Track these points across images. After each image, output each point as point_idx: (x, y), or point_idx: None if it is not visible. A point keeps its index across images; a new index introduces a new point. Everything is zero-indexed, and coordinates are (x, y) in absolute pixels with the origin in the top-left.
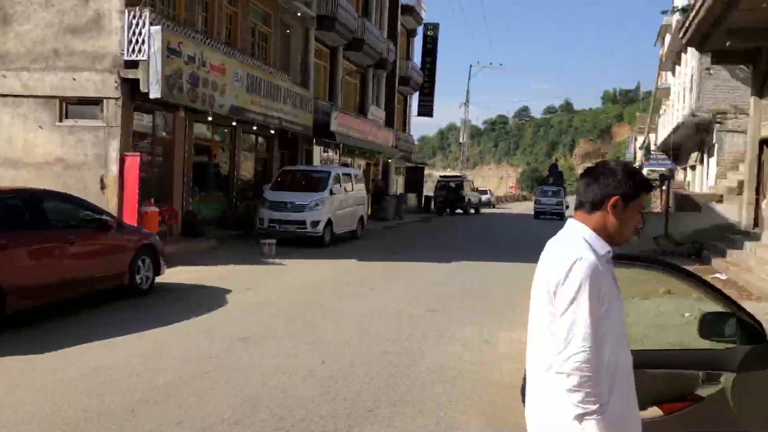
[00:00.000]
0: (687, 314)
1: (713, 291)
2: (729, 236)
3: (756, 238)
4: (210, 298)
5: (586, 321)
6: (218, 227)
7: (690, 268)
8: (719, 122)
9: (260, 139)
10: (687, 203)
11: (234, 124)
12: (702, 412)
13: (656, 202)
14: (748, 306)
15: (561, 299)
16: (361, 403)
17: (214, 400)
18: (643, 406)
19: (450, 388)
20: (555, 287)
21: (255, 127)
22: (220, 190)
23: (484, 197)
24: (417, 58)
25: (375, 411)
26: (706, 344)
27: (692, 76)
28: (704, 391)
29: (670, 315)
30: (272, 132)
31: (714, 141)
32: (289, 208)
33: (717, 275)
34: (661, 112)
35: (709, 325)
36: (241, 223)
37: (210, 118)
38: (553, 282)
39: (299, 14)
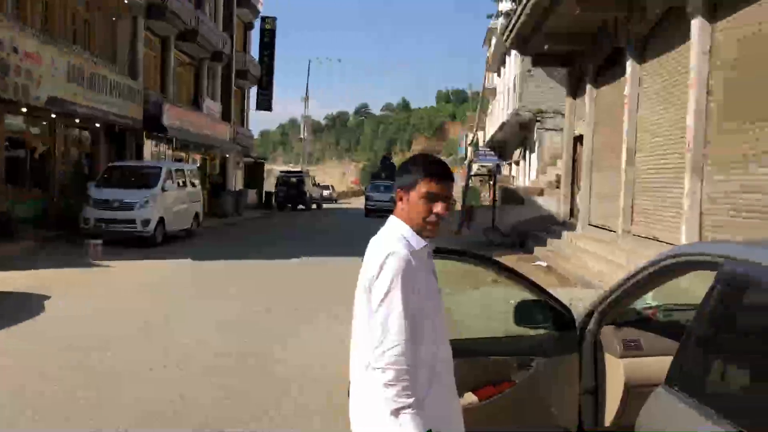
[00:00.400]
0: (512, 301)
1: (522, 280)
2: (549, 227)
3: (572, 228)
4: (21, 307)
5: (400, 315)
6: (37, 227)
7: (515, 257)
8: (539, 121)
9: (85, 133)
10: (512, 197)
11: (54, 116)
12: (514, 396)
13: (484, 196)
14: (565, 291)
15: (375, 295)
16: (212, 412)
17: (25, 418)
18: (459, 394)
19: (306, 391)
20: (369, 283)
21: (78, 120)
22: (38, 187)
23: (325, 192)
24: (255, 51)
25: (230, 421)
26: (525, 332)
27: (515, 77)
28: (518, 376)
29: (497, 303)
30: (98, 125)
31: (535, 138)
32: (117, 206)
33: (539, 263)
34: (488, 111)
35: (523, 313)
36: (63, 222)
37: (24, 110)
38: (368, 278)
39: (126, 1)
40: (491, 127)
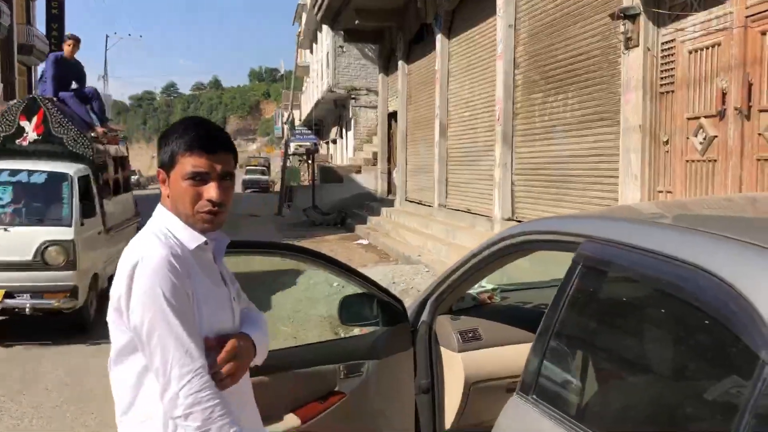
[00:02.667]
0: (335, 284)
1: (345, 270)
2: (369, 204)
3: (390, 204)
4: None
5: (180, 339)
6: None
7: (337, 236)
8: (354, 98)
9: None
10: (331, 175)
11: None
12: (344, 410)
13: (304, 176)
14: (386, 269)
15: (134, 320)
16: None
17: None
18: (277, 415)
19: None
20: (119, 302)
21: None
22: None
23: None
24: (41, 25)
25: None
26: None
27: (328, 53)
28: (347, 386)
29: (319, 287)
30: None
31: (350, 116)
32: None
33: (360, 241)
34: (303, 88)
35: (349, 310)
36: None
37: None
38: (116, 296)
39: None
40: (306, 105)
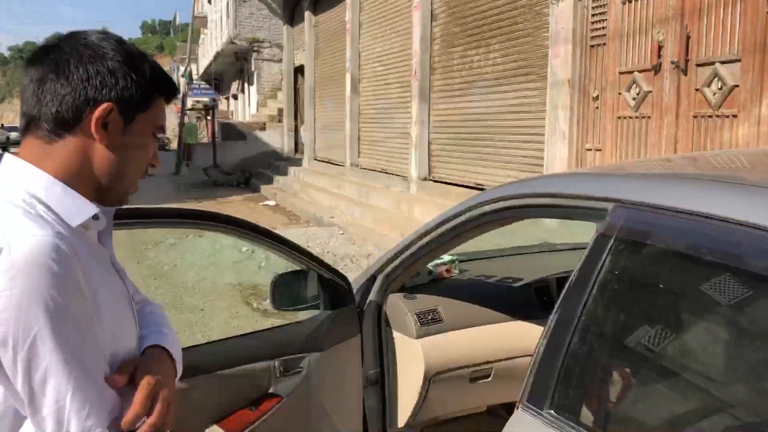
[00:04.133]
0: (245, 249)
1: (274, 241)
2: (274, 163)
3: (298, 163)
4: None
5: (81, 373)
6: None
7: (241, 197)
8: (256, 51)
9: None
10: (233, 132)
11: None
12: (282, 416)
13: (203, 133)
14: (298, 231)
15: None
16: None
17: None
18: (199, 430)
19: None
20: None
21: None
22: None
23: (13, 135)
24: None
25: None
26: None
27: (228, 2)
28: (284, 387)
29: (227, 251)
30: None
31: (253, 69)
32: None
33: (267, 202)
34: (200, 41)
35: (282, 292)
36: None
37: None
38: None
39: None
40: (204, 58)
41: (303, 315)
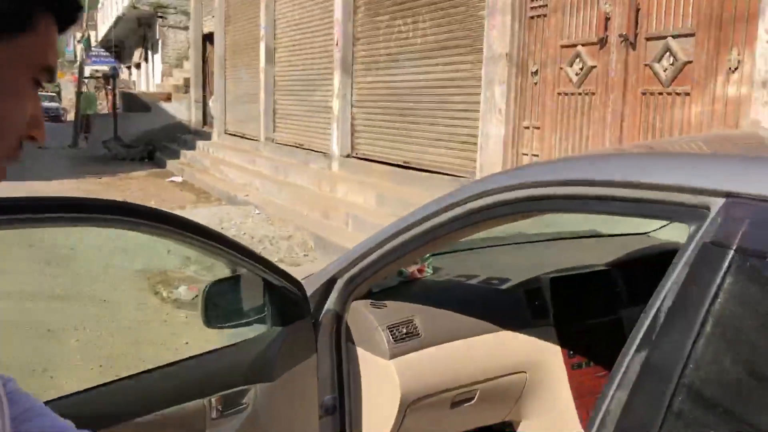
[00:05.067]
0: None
1: (208, 240)
2: (181, 136)
3: (207, 137)
4: None
5: None
6: None
7: (144, 172)
8: (161, 17)
9: None
10: (135, 103)
11: None
12: None
13: (103, 104)
14: (210, 210)
15: None
16: None
17: None
18: None
19: None
20: None
21: None
22: None
23: None
24: None
25: None
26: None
27: None
28: (221, 431)
29: (130, 234)
30: None
31: (157, 37)
32: None
33: (173, 178)
34: (99, 5)
35: (217, 305)
36: None
37: None
38: None
39: None
40: (104, 24)
41: (244, 333)
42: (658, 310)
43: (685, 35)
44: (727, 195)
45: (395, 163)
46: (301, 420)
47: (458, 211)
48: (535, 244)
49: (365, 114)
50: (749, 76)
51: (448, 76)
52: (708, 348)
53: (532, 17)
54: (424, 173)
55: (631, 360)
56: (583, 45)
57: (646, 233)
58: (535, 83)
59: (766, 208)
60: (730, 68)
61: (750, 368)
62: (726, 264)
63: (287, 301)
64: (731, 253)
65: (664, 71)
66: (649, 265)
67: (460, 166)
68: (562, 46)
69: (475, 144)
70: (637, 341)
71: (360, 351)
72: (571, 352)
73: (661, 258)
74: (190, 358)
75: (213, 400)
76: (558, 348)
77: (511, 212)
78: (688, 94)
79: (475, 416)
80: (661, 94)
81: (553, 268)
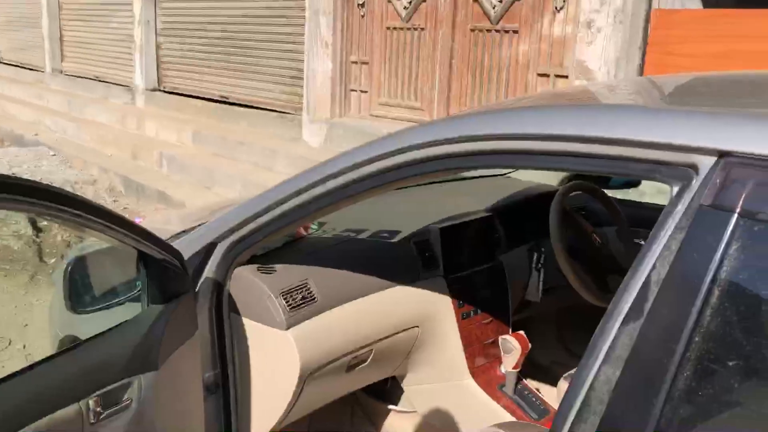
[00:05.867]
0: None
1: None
2: None
3: None
4: None
5: None
6: None
7: None
8: None
9: None
10: None
11: None
12: None
13: None
14: None
15: None
16: None
17: None
18: None
19: None
20: None
21: None
22: None
23: None
24: None
25: None
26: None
27: None
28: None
29: None
30: None
31: None
32: None
33: None
34: None
35: (83, 282)
36: None
37: None
38: None
39: None
40: None
41: (118, 315)
42: (648, 278)
43: None
44: (721, 154)
45: (211, 97)
46: (191, 406)
47: (377, 166)
48: (417, 189)
49: (174, 44)
50: (574, 16)
51: (268, 5)
52: (715, 321)
53: None
54: (246, 109)
55: (618, 332)
56: None
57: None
58: (362, 16)
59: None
60: (556, 7)
61: (762, 342)
62: (730, 229)
63: (165, 274)
64: (735, 216)
65: (493, 8)
66: (525, 209)
67: (286, 102)
68: None
69: (302, 79)
70: (624, 313)
71: (250, 323)
72: (460, 302)
73: (539, 200)
74: (60, 353)
75: (90, 401)
76: (448, 299)
77: (451, 167)
78: (516, 32)
79: (367, 375)
80: (489, 31)
81: (440, 216)
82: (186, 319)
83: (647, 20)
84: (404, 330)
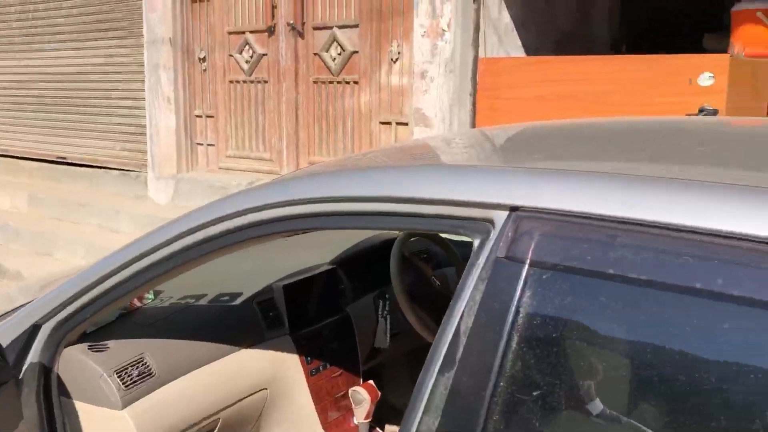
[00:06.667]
0: None
1: None
2: None
3: None
4: None
5: None
6: None
7: None
8: None
9: None
10: None
11: None
12: None
13: None
14: None
15: None
16: None
17: None
18: None
19: None
20: None
21: None
22: None
23: None
24: None
25: None
26: None
27: None
28: None
29: None
30: None
31: None
32: None
33: None
34: None
35: None
36: None
37: None
38: None
39: None
40: None
41: None
42: (458, 328)
43: (350, 26)
44: (513, 208)
45: (49, 159)
46: None
47: (209, 231)
48: (257, 246)
49: (5, 104)
50: (409, 67)
51: (104, 62)
52: (516, 364)
53: (194, 1)
54: (87, 168)
55: (435, 383)
56: (251, 32)
57: None
58: (204, 70)
59: (554, 221)
60: (392, 59)
61: (557, 380)
62: (522, 279)
63: None
64: (526, 267)
65: (333, 60)
66: (369, 258)
67: (129, 158)
68: (230, 33)
69: (145, 135)
70: (439, 363)
71: (83, 405)
72: (309, 358)
73: (382, 247)
74: None
75: None
76: (296, 356)
77: (276, 231)
78: (356, 82)
79: None
80: (331, 82)
81: (282, 273)
82: (8, 409)
83: (475, 68)
84: (252, 394)
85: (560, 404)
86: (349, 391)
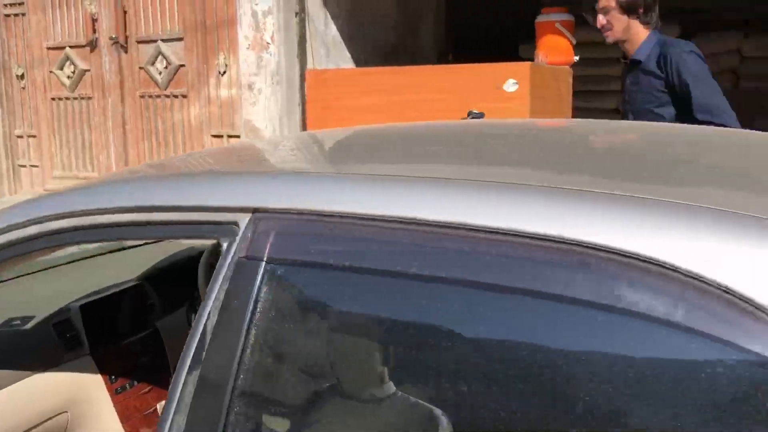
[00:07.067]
0: None
1: None
2: None
3: None
4: None
5: None
6: None
7: None
8: None
9: None
10: None
11: None
12: None
13: None
14: None
15: None
16: None
17: None
18: None
19: None
20: None
21: None
22: None
23: None
24: None
25: None
26: None
27: None
28: None
29: None
30: None
31: None
32: None
33: None
34: None
35: None
36: None
37: None
38: None
39: None
40: None
41: None
42: (204, 328)
43: (175, 39)
44: (254, 210)
45: None
46: None
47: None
48: (57, 270)
49: None
50: (236, 80)
51: None
52: (254, 357)
53: (7, 15)
54: None
55: (184, 382)
56: (72, 47)
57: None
58: (23, 87)
59: (288, 220)
60: (220, 72)
61: (292, 366)
62: (259, 276)
63: None
64: (263, 264)
65: (160, 74)
66: (178, 272)
67: None
68: (49, 48)
69: None
70: (188, 362)
71: None
72: (113, 377)
73: (189, 263)
74: None
75: None
76: (99, 377)
77: (29, 250)
78: (185, 96)
79: None
80: (159, 96)
81: (83, 293)
82: None
83: (302, 80)
84: (50, 418)
85: (296, 391)
86: (157, 407)
